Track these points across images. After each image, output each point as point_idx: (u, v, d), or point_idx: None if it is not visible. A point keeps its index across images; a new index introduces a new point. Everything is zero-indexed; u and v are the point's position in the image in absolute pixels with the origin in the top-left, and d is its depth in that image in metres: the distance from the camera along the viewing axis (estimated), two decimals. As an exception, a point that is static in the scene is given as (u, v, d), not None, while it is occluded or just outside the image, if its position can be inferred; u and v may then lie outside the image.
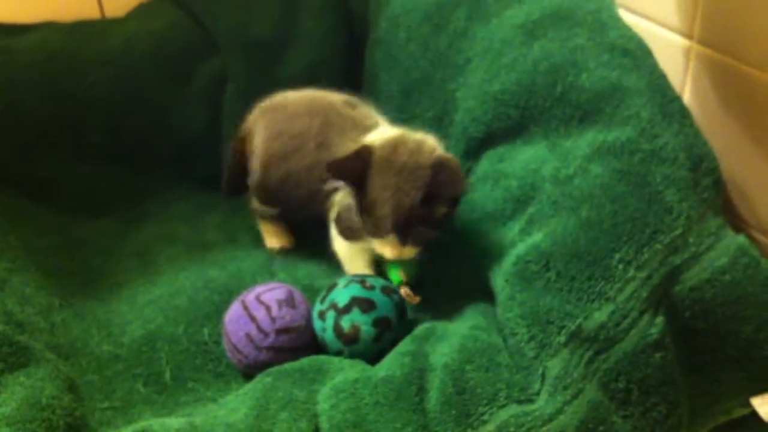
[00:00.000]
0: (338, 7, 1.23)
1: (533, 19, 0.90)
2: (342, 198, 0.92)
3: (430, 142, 0.87)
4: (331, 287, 0.86)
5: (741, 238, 0.72)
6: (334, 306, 0.83)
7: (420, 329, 0.82)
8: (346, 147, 0.90)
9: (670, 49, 0.88)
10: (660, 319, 0.68)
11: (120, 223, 1.12)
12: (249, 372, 0.83)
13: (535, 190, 0.83)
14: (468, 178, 0.93)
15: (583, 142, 0.81)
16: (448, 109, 0.98)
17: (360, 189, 0.85)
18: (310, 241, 1.03)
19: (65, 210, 1.11)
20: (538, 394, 0.71)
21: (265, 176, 1.00)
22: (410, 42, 1.05)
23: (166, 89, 1.17)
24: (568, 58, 0.85)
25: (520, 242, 0.81)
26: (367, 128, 0.93)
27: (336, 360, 0.80)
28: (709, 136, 0.79)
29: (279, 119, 0.99)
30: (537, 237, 0.79)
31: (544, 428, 0.67)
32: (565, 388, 0.69)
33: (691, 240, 0.71)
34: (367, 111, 0.98)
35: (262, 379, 0.77)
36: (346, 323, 0.82)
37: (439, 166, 0.84)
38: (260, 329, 0.82)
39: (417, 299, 0.88)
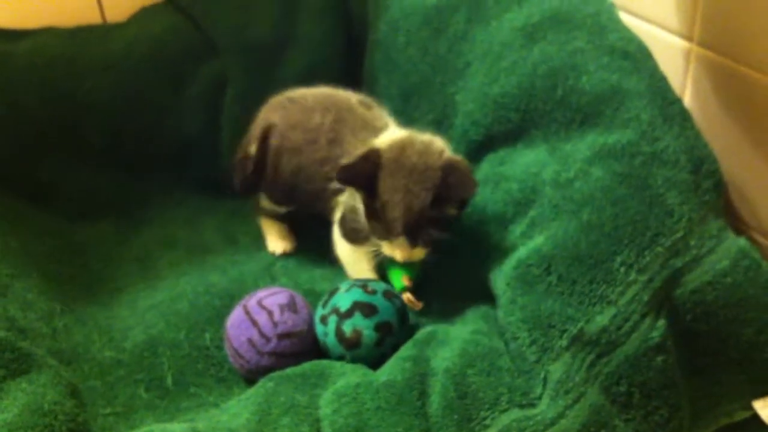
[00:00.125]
0: (337, 9, 1.23)
1: (533, 22, 0.90)
2: (347, 199, 0.92)
3: (438, 144, 0.87)
4: (333, 291, 0.86)
5: (742, 241, 0.72)
6: (335, 310, 0.83)
7: (421, 333, 0.82)
8: (356, 147, 0.90)
9: (670, 52, 0.88)
10: (661, 323, 0.68)
11: (120, 226, 1.12)
12: (251, 377, 0.83)
13: (535, 193, 0.83)
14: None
15: (584, 145, 0.81)
16: (447, 113, 0.98)
17: (369, 192, 0.85)
18: (312, 245, 1.03)
19: (65, 213, 1.11)
20: (539, 398, 0.71)
21: (278, 168, 0.99)
22: (409, 46, 1.05)
23: (166, 93, 1.17)
24: (568, 61, 0.85)
25: (522, 246, 0.81)
26: (377, 129, 0.94)
27: (338, 365, 0.80)
28: (710, 139, 0.79)
29: (295, 111, 0.99)
30: (538, 240, 0.79)
31: (546, 432, 0.67)
32: (567, 392, 0.69)
33: (692, 243, 0.71)
34: (379, 112, 0.99)
35: (264, 384, 0.77)
36: (347, 328, 0.82)
37: (449, 168, 0.84)
38: (262, 334, 0.82)
39: (420, 305, 0.88)
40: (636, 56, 0.84)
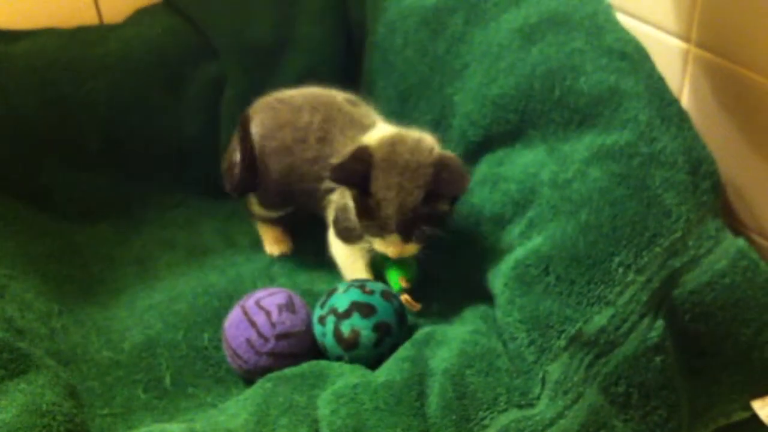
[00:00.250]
0: (336, 11, 1.23)
1: (531, 23, 0.90)
2: (338, 198, 0.92)
3: (428, 141, 0.88)
4: (331, 292, 0.86)
5: (740, 241, 0.72)
6: (334, 311, 0.83)
7: (420, 334, 0.82)
8: (345, 145, 0.90)
9: (668, 53, 0.89)
10: (660, 323, 0.68)
11: (118, 227, 1.12)
12: (249, 377, 0.83)
13: (534, 193, 0.83)
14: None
15: (582, 145, 0.81)
16: (446, 114, 0.98)
17: (362, 190, 0.85)
18: (309, 246, 1.03)
19: (63, 215, 1.11)
20: (538, 398, 0.71)
21: (268, 169, 0.99)
22: (407, 47, 1.05)
23: (164, 94, 1.16)
24: (566, 62, 0.85)
25: (520, 246, 0.81)
26: (365, 127, 0.94)
27: (336, 365, 0.80)
28: (708, 139, 0.79)
29: (283, 111, 0.99)
30: (536, 241, 0.79)
31: (545, 433, 0.67)
32: (566, 392, 0.69)
33: (690, 243, 0.71)
34: (366, 110, 0.99)
35: (263, 385, 0.77)
36: (346, 328, 0.82)
37: (441, 165, 0.84)
38: (260, 334, 0.82)
39: (418, 306, 0.88)
40: (634, 57, 0.84)
